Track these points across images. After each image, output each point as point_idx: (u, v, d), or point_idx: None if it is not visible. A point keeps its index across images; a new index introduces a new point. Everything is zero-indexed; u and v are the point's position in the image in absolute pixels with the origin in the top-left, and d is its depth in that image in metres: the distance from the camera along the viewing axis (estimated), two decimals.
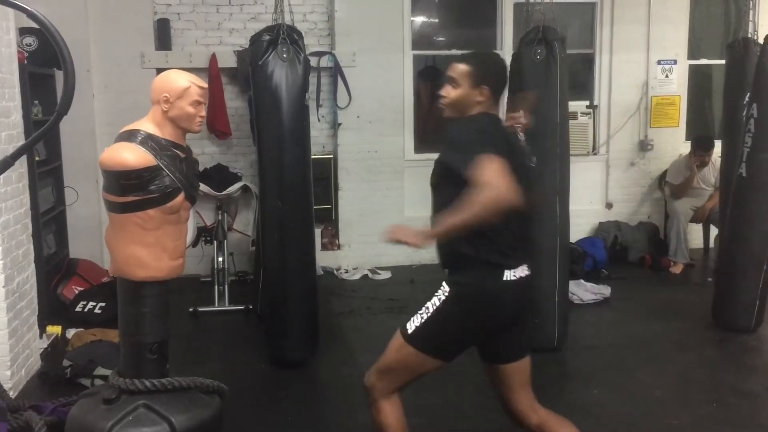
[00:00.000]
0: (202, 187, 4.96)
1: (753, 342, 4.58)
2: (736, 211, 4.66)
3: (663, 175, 6.83)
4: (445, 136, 2.48)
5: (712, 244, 6.63)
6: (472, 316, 2.47)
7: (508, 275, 2.44)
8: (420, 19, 6.83)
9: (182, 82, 2.70)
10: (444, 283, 2.50)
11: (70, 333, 4.48)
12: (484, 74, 2.51)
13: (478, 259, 2.43)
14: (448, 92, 2.55)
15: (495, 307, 2.47)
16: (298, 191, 4.11)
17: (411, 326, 2.51)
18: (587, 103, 6.82)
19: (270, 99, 4.02)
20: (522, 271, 2.49)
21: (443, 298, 2.47)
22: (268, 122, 4.08)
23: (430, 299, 2.50)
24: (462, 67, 2.52)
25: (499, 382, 2.61)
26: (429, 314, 2.48)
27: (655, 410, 3.60)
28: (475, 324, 2.49)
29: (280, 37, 3.97)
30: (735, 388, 3.86)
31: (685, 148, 6.73)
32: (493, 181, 2.21)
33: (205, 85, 2.78)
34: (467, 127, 2.47)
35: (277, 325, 4.16)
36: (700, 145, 6.28)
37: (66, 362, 3.88)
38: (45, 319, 4.40)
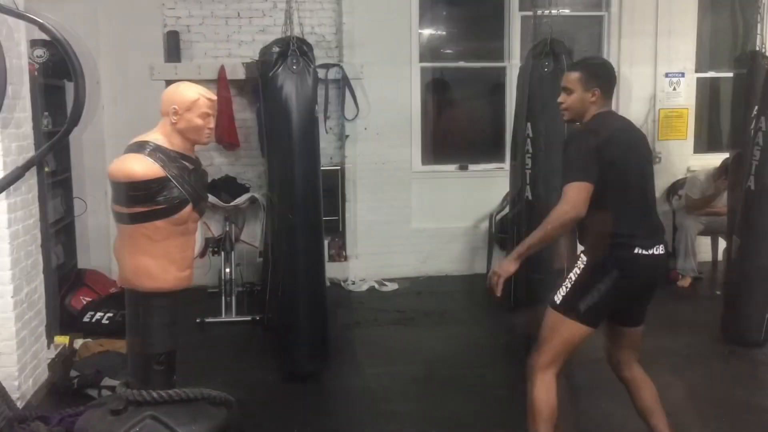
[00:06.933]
0: (210, 198, 4.98)
1: (762, 356, 4.55)
2: (744, 224, 4.64)
3: (671, 188, 6.79)
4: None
5: (720, 257, 6.59)
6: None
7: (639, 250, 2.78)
8: (427, 32, 6.84)
9: (191, 94, 2.72)
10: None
11: (78, 343, 4.48)
12: (593, 78, 2.88)
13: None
14: (564, 99, 2.93)
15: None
16: (308, 202, 4.12)
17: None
18: None
19: (280, 111, 4.04)
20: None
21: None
22: (279, 134, 4.09)
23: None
24: (573, 75, 2.91)
25: (612, 338, 3.06)
26: None
27: None
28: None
29: (290, 49, 4.00)
30: (745, 402, 3.83)
31: (694, 160, 6.70)
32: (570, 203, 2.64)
33: (214, 97, 2.80)
34: (574, 144, 2.77)
35: (288, 338, 4.15)
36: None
37: (73, 373, 3.89)
38: (53, 329, 4.40)
